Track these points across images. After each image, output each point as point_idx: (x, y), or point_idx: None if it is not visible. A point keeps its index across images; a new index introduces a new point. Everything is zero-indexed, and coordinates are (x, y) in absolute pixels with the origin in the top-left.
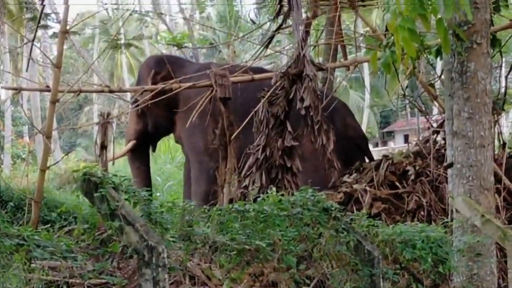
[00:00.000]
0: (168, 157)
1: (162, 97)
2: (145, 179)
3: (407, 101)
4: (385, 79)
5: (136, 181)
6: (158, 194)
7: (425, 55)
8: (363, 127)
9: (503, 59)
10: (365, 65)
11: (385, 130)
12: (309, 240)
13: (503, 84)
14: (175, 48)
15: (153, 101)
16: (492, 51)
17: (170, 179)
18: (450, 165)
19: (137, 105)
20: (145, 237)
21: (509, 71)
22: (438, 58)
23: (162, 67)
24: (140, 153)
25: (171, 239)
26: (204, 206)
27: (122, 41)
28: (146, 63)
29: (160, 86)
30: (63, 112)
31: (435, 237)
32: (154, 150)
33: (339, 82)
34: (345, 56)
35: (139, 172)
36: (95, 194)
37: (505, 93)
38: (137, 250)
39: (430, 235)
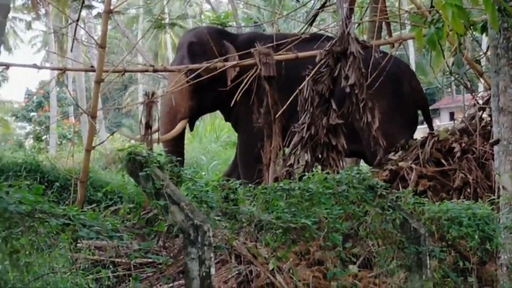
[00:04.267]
0: (213, 136)
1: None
2: (181, 156)
3: (452, 78)
4: (430, 56)
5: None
6: (203, 173)
7: (470, 32)
8: None
9: None
10: (410, 42)
11: (430, 107)
12: (354, 218)
13: None
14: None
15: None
16: None
17: (215, 158)
18: (497, 141)
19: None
20: (190, 216)
21: None
22: (484, 34)
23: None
24: (182, 133)
25: (216, 218)
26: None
27: (166, 21)
28: (207, 34)
29: (204, 64)
30: (108, 92)
31: (482, 214)
32: (192, 129)
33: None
34: (389, 33)
35: (176, 149)
36: (140, 174)
37: None
38: (182, 229)
39: (477, 212)
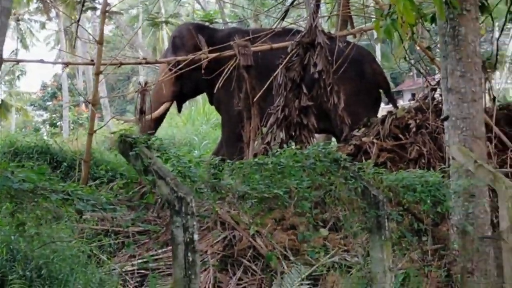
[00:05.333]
0: (204, 119)
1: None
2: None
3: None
4: (391, 45)
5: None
6: (195, 151)
7: (421, 22)
8: None
9: (495, 24)
10: (376, 33)
11: (394, 90)
12: (322, 188)
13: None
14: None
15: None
16: (481, 16)
17: (206, 138)
18: (446, 118)
19: (175, 71)
20: (175, 189)
21: (499, 35)
22: (434, 24)
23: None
24: (163, 115)
25: (200, 190)
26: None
27: (162, 19)
28: (187, 29)
29: (190, 56)
30: (113, 83)
31: (433, 181)
32: (180, 111)
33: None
34: (352, 25)
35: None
36: (130, 153)
37: (497, 54)
38: (168, 201)
39: (429, 180)
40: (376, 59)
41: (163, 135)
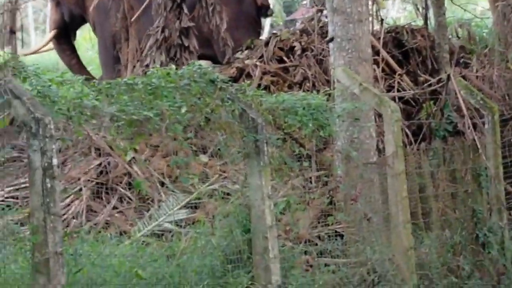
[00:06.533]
0: (89, 44)
1: None
2: (79, 63)
3: None
4: None
5: (73, 67)
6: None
7: None
8: None
9: None
10: None
11: (287, 18)
12: (197, 110)
13: None
14: None
15: None
16: None
17: (91, 63)
18: (331, 39)
19: None
20: (31, 110)
21: None
22: None
23: None
24: (65, 42)
25: (60, 111)
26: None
27: None
28: None
29: None
30: None
31: (316, 104)
32: (74, 39)
33: None
34: None
35: (70, 58)
36: None
37: None
38: (25, 123)
39: (311, 103)
40: None
41: (47, 62)
